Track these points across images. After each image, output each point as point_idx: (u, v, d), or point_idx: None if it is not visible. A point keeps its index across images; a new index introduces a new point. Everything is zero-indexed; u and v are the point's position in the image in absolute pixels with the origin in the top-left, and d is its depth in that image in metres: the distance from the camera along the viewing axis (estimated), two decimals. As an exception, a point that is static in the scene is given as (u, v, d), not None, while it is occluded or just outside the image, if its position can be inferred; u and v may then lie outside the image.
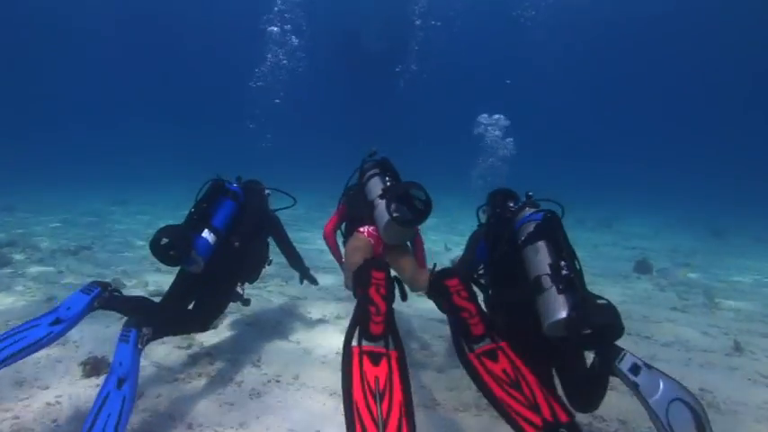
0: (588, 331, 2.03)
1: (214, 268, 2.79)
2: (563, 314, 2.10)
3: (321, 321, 3.87)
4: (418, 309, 4.34)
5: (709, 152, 36.86)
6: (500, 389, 1.89)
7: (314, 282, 3.83)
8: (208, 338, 3.44)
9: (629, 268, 7.07)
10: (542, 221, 2.47)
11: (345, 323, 3.77)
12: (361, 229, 2.94)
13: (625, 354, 2.03)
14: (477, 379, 1.96)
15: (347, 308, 4.19)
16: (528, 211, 2.64)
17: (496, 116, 11.00)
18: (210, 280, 2.87)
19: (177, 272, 2.95)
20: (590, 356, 2.25)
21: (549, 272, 2.26)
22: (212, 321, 3.04)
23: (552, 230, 2.42)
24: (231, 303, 3.20)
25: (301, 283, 3.85)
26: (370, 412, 1.81)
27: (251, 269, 3.32)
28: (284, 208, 3.47)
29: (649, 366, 1.98)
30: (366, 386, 1.88)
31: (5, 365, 2.09)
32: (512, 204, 2.78)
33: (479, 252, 2.81)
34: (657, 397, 1.87)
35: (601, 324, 2.00)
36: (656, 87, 35.99)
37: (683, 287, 6.00)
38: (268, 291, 4.73)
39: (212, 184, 3.04)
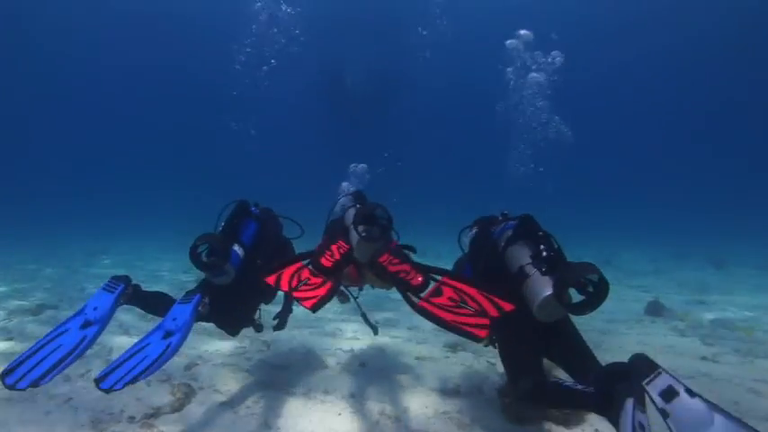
0: (574, 302, 2.16)
1: (240, 283, 2.88)
2: (549, 291, 2.17)
3: (305, 398, 3.29)
4: (421, 373, 3.80)
5: (698, 182, 37.31)
6: (450, 314, 2.13)
7: (281, 326, 3.76)
8: (172, 425, 2.86)
9: (640, 310, 6.61)
10: (518, 224, 2.63)
11: (335, 400, 3.25)
12: None
13: (659, 373, 1.76)
14: (431, 317, 2.17)
15: (336, 380, 3.63)
16: (504, 223, 2.82)
17: (553, 53, 7.34)
18: (236, 294, 2.94)
19: (200, 284, 2.99)
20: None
21: (531, 261, 2.38)
22: (239, 331, 3.25)
23: (530, 230, 2.56)
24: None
25: (274, 319, 3.75)
26: (290, 283, 2.42)
27: (271, 289, 3.36)
28: (294, 238, 3.60)
29: (693, 393, 1.64)
30: (297, 276, 2.44)
31: (51, 377, 2.10)
32: (494, 228, 2.91)
33: (465, 273, 2.95)
34: None
35: (579, 278, 2.09)
36: (646, 117, 36.65)
37: (704, 330, 5.53)
38: (246, 358, 4.15)
39: (237, 205, 3.21)
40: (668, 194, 38.44)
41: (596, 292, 2.08)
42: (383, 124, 26.05)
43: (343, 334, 5.01)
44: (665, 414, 1.65)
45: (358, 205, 3.24)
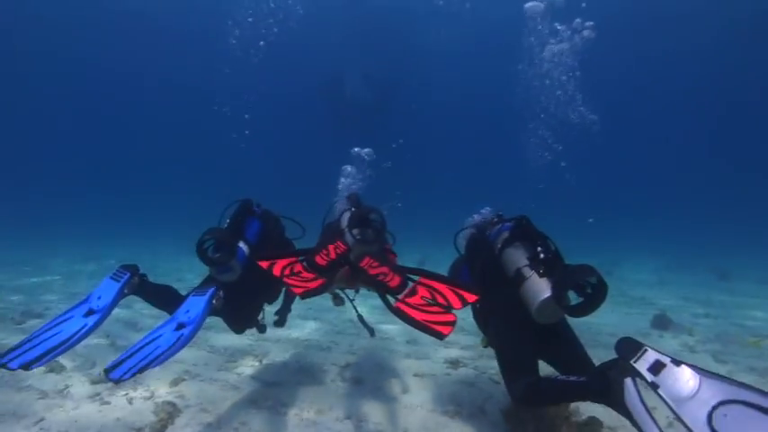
0: (572, 303, 2.18)
1: (246, 280, 2.85)
2: (547, 293, 2.18)
3: (297, 419, 3.07)
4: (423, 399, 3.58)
5: (696, 191, 36.85)
6: (421, 313, 2.18)
7: (281, 323, 3.84)
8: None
9: (645, 324, 6.40)
10: (515, 226, 2.63)
11: (328, 421, 3.00)
12: None
13: (645, 350, 1.82)
14: (404, 318, 2.20)
15: (330, 399, 3.42)
16: (500, 224, 2.81)
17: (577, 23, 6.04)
18: (243, 291, 2.89)
19: (204, 281, 2.91)
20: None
21: (528, 263, 2.38)
22: (245, 330, 3.24)
23: (525, 232, 2.56)
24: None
25: (275, 315, 3.85)
26: (282, 271, 2.43)
27: (274, 288, 3.43)
28: (296, 238, 3.55)
29: (679, 362, 1.69)
30: (290, 268, 2.45)
31: (44, 362, 2.12)
32: (489, 232, 2.91)
33: (463, 275, 2.94)
34: (690, 399, 1.57)
35: (578, 280, 2.11)
36: (647, 123, 36.11)
37: (714, 345, 5.33)
38: (236, 373, 3.93)
39: (241, 204, 3.19)
40: (666, 202, 38.06)
41: (594, 294, 2.10)
42: (385, 129, 25.81)
43: (339, 347, 4.80)
44: (655, 386, 1.68)
45: (353, 209, 3.24)
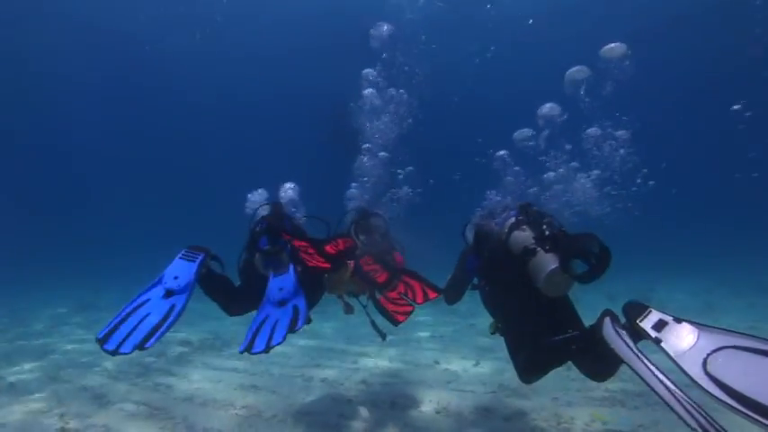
0: (578, 272, 2.24)
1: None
2: (554, 265, 2.28)
3: None
4: None
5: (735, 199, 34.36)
6: (394, 305, 2.76)
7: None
8: None
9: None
10: (520, 211, 2.76)
11: None
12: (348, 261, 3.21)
13: (650, 311, 1.96)
14: (384, 312, 2.83)
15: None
16: (506, 212, 2.89)
17: None
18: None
19: (244, 280, 2.95)
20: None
21: (534, 241, 2.47)
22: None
23: (531, 216, 2.66)
24: None
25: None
26: (299, 247, 2.76)
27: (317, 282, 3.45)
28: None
29: (681, 320, 1.81)
30: (304, 249, 2.75)
31: (152, 343, 2.09)
32: (496, 219, 2.98)
33: (470, 263, 2.96)
34: (688, 349, 1.69)
35: (583, 248, 2.18)
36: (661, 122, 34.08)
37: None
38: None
39: (273, 205, 3.21)
40: (693, 214, 35.68)
41: (599, 262, 2.14)
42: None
43: (349, 427, 3.78)
44: (658, 341, 1.83)
45: (360, 218, 3.46)
